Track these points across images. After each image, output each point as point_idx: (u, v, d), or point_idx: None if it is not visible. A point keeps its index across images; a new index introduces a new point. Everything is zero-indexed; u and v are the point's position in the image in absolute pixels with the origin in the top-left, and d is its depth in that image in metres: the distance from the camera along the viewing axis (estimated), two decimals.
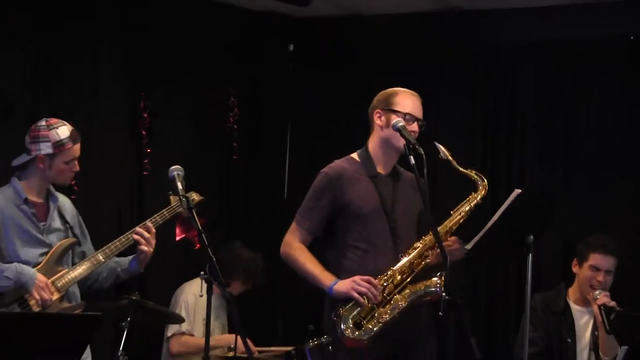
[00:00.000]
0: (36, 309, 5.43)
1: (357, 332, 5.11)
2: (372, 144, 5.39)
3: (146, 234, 5.60)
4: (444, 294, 4.96)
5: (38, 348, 4.92)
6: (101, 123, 7.17)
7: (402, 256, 5.24)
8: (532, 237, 5.67)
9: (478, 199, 5.32)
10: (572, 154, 7.86)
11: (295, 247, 5.32)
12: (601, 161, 7.76)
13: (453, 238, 5.32)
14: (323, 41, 8.41)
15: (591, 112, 7.84)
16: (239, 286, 6.87)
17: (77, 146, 5.65)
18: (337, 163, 5.42)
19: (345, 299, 5.13)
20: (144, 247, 5.61)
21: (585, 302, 6.52)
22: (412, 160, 5.04)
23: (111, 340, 6.06)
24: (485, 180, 5.32)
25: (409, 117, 5.26)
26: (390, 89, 5.40)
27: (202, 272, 5.68)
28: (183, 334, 6.81)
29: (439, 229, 5.20)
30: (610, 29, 7.72)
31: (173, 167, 5.33)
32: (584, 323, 6.56)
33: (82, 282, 5.73)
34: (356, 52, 8.07)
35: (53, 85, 7.00)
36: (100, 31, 7.26)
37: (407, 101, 5.33)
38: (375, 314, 5.13)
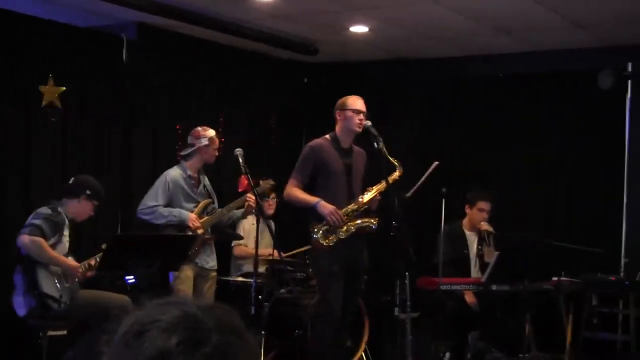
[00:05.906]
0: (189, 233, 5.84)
1: (323, 240, 5.27)
2: (338, 130, 5.50)
3: (253, 198, 5.83)
4: (393, 222, 5.18)
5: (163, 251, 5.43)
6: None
7: (354, 200, 5.38)
8: (444, 189, 5.91)
9: (396, 176, 5.39)
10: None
11: (292, 189, 5.41)
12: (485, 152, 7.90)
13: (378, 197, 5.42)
14: (326, 77, 8.49)
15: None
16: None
17: (218, 141, 6.00)
18: (317, 140, 5.53)
19: (321, 218, 5.27)
20: (252, 204, 5.89)
21: (473, 228, 6.66)
22: (376, 146, 5.24)
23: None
24: (402, 167, 5.38)
25: (356, 111, 5.41)
26: (344, 97, 5.52)
27: (254, 210, 5.97)
28: (240, 245, 7.09)
29: (374, 189, 5.39)
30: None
31: (237, 149, 5.65)
32: (472, 241, 6.68)
33: (218, 222, 6.09)
34: (344, 83, 8.04)
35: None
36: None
37: (356, 102, 5.46)
38: (336, 232, 5.29)
